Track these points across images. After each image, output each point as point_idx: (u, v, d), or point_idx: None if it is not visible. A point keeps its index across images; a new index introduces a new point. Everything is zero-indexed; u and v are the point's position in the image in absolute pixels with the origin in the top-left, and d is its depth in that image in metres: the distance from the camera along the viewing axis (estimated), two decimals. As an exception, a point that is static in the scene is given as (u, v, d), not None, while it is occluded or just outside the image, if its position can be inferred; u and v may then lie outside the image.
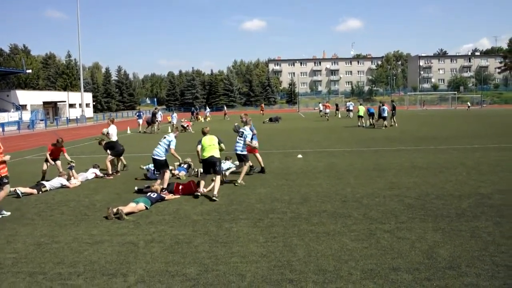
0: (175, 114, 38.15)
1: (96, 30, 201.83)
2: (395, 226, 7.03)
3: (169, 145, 10.34)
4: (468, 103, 72.67)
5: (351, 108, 45.42)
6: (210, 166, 9.89)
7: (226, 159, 13.18)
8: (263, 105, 63.81)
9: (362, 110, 32.10)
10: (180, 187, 10.05)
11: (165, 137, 10.56)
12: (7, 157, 8.52)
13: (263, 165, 12.48)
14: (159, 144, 10.44)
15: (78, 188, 11.16)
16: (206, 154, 9.92)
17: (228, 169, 12.23)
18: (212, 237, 6.79)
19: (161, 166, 10.28)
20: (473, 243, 6.14)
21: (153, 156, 10.39)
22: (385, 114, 29.62)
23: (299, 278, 5.12)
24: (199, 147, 10.41)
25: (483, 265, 5.35)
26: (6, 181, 8.47)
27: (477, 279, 4.94)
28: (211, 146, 9.97)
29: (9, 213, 8.61)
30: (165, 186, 9.93)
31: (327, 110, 43.74)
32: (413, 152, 16.18)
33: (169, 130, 15.07)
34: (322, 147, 18.99)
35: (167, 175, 10.13)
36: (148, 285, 5.08)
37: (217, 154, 9.94)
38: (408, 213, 7.78)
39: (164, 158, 10.25)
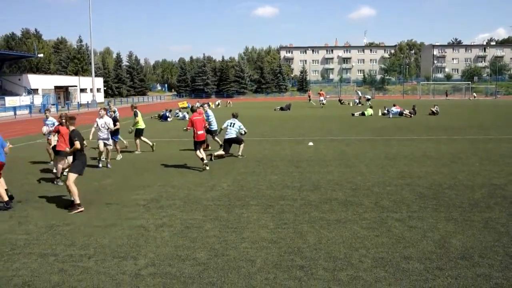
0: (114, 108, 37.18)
1: (107, 15, 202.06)
2: (407, 215, 6.96)
3: (240, 127, 13.27)
4: (474, 93, 72.12)
5: (368, 96, 47.12)
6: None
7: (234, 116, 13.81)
8: (310, 92, 63.89)
9: (369, 112, 31.04)
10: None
11: (234, 123, 13.21)
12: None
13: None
14: (231, 129, 13.12)
15: (87, 172, 11.16)
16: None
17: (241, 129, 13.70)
18: (222, 222, 6.79)
19: (236, 141, 13.21)
20: (486, 233, 6.06)
21: (228, 137, 13.07)
22: None
23: (309, 265, 5.10)
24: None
25: (496, 256, 5.27)
26: None
27: (490, 270, 4.87)
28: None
29: None
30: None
31: (322, 98, 43.58)
32: (425, 142, 16.01)
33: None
34: (333, 135, 18.87)
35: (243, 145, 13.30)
36: (158, 268, 5.09)
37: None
38: (420, 203, 7.70)
39: (236, 136, 13.19)
